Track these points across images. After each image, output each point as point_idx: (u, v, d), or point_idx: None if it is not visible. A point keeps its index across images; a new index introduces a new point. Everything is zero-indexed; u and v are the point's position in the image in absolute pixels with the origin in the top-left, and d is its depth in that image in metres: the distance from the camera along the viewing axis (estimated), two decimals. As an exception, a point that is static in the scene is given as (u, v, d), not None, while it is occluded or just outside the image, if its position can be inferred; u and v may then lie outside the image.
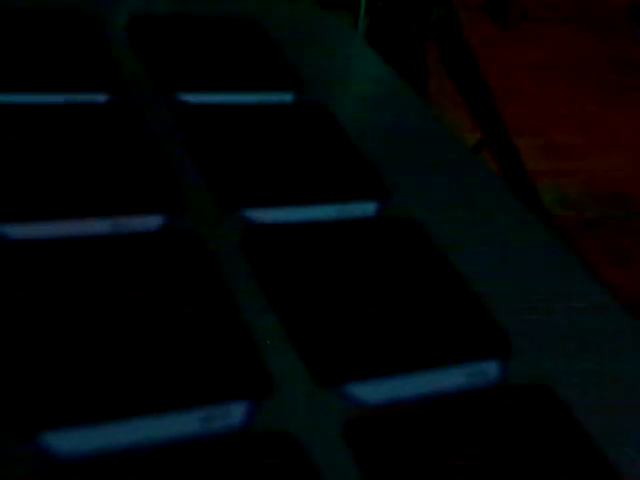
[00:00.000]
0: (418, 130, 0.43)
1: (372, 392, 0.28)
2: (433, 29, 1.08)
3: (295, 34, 0.48)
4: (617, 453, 0.27)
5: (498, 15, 1.92)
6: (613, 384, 0.30)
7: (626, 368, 0.31)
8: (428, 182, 0.39)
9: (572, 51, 1.86)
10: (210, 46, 0.44)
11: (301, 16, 0.51)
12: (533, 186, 1.10)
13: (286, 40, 0.46)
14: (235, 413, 0.26)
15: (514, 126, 1.14)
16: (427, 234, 0.35)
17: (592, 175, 1.45)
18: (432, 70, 1.06)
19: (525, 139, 1.49)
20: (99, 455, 0.24)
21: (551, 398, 0.29)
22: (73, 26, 0.43)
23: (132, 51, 0.43)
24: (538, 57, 1.84)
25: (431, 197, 0.38)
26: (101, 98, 0.38)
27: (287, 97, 0.42)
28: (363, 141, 0.40)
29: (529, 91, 1.72)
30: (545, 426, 0.28)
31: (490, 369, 0.30)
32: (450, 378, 0.29)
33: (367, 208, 0.36)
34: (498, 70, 1.62)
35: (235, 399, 0.26)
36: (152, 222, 0.33)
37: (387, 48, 1.03)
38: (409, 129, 0.43)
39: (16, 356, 0.26)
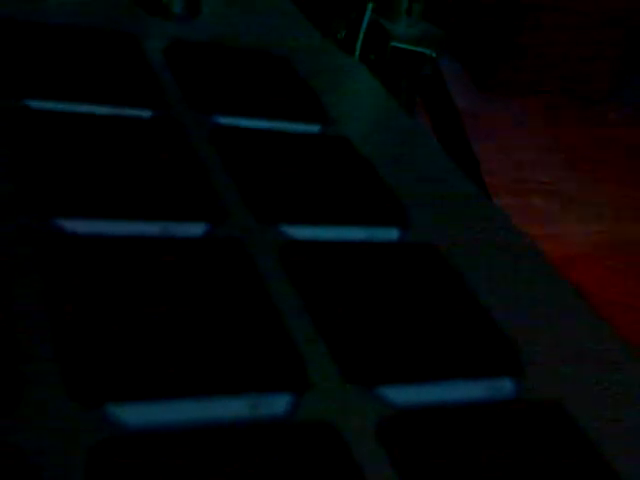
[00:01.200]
0: (433, 166, 0.46)
1: (401, 395, 0.30)
2: (421, 84, 1.12)
3: (319, 68, 0.51)
4: (625, 466, 0.30)
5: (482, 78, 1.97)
6: (624, 401, 0.33)
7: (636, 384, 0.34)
8: (442, 211, 0.42)
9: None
10: (243, 75, 0.47)
11: (324, 50, 0.54)
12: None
13: (311, 75, 0.49)
14: (279, 403, 0.28)
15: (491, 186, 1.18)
16: (445, 259, 0.37)
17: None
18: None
19: (503, 200, 1.54)
20: (159, 428, 0.26)
21: (561, 413, 0.31)
22: (118, 45, 0.46)
23: (170, 74, 0.45)
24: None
25: (445, 225, 0.41)
26: (145, 114, 0.41)
27: (314, 128, 0.45)
28: (382, 169, 0.43)
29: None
30: (555, 440, 0.31)
31: (504, 385, 0.33)
32: (469, 390, 0.32)
33: (390, 233, 0.39)
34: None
35: (278, 391, 0.28)
36: (196, 229, 0.35)
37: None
38: (424, 163, 0.46)
39: (87, 336, 0.27)
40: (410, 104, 1.13)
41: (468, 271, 0.38)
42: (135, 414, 0.26)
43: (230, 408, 0.27)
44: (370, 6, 1.11)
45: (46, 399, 0.25)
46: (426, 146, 0.48)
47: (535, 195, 1.66)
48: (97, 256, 0.31)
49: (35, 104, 0.38)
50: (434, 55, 1.17)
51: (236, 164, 0.39)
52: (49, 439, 0.24)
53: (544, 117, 1.95)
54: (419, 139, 0.49)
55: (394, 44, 1.15)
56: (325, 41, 0.57)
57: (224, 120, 0.43)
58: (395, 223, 0.39)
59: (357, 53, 1.11)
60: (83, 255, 0.31)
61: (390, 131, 0.50)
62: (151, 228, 0.34)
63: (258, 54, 0.50)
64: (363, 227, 0.38)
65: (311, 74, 0.50)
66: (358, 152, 0.43)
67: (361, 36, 1.14)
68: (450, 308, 0.35)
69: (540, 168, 1.75)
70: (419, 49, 1.18)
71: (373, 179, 0.42)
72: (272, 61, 0.50)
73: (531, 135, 1.86)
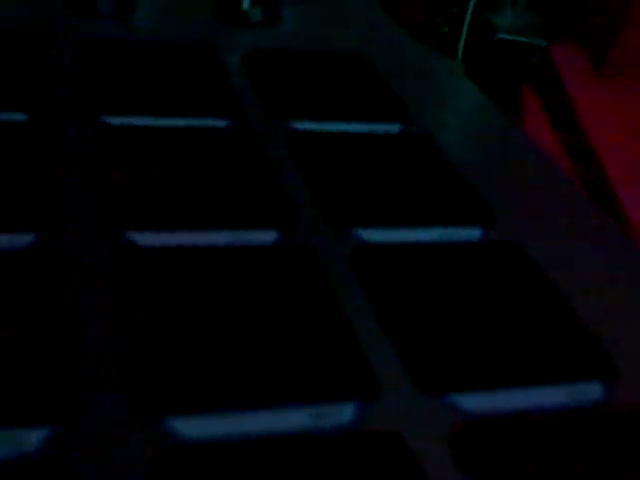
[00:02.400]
0: (519, 160, 0.44)
1: (476, 403, 0.29)
2: (531, 74, 1.09)
3: (400, 67, 0.50)
4: None
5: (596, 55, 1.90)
6: None
7: None
8: (531, 208, 0.40)
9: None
10: (319, 79, 0.47)
11: (405, 49, 0.53)
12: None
13: (392, 73, 0.48)
14: (345, 412, 0.27)
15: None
16: (532, 258, 0.36)
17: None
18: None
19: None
20: (220, 440, 0.25)
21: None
22: (196, 58, 0.46)
23: (248, 82, 0.45)
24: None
25: (535, 224, 0.39)
26: (221, 123, 0.41)
27: (394, 128, 0.44)
28: (466, 169, 0.41)
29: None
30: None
31: (592, 390, 0.31)
32: (552, 396, 0.30)
33: (472, 233, 0.37)
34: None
35: (344, 399, 0.28)
36: (267, 236, 0.35)
37: (483, 92, 1.04)
38: (510, 158, 0.44)
39: (153, 349, 0.28)
40: (516, 94, 1.10)
41: (554, 270, 0.36)
42: (196, 427, 0.26)
43: (293, 419, 0.27)
44: (473, -1, 1.09)
45: (109, 411, 0.26)
46: (517, 145, 0.46)
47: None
48: (167, 268, 0.31)
49: (113, 120, 0.39)
50: (543, 44, 1.13)
51: (312, 170, 0.39)
52: (110, 452, 0.25)
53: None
54: (510, 137, 0.47)
55: (500, 36, 1.12)
56: (411, 40, 0.56)
57: (301, 125, 0.42)
58: (477, 222, 0.38)
59: (461, 48, 1.08)
60: (153, 267, 0.31)
61: (478, 128, 0.48)
62: (222, 237, 0.34)
63: (337, 57, 0.49)
64: (442, 227, 0.37)
65: (394, 74, 0.49)
66: (440, 149, 0.42)
67: (465, 30, 1.11)
68: (532, 309, 0.33)
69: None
70: (526, 39, 1.14)
71: (454, 177, 0.40)
72: (351, 62, 0.49)
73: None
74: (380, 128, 0.44)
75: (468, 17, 1.12)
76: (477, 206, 0.39)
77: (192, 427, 0.26)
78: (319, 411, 0.27)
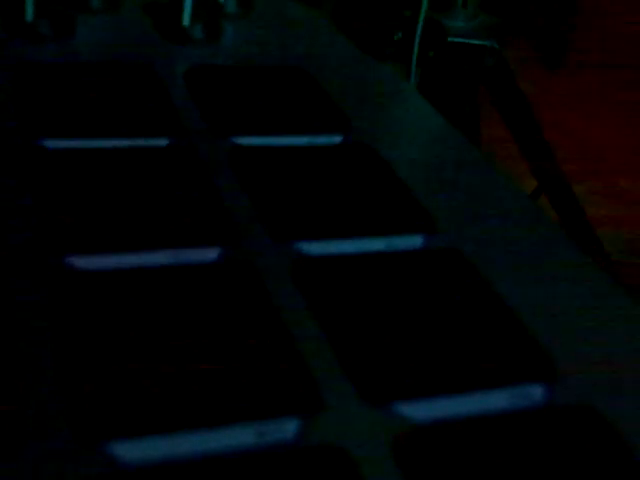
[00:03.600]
0: (467, 171, 0.45)
1: (420, 411, 0.29)
2: (485, 77, 1.10)
3: (342, 78, 0.50)
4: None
5: (551, 57, 1.93)
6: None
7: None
8: (475, 217, 0.40)
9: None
10: (260, 93, 0.47)
11: (348, 60, 0.54)
12: (593, 232, 1.10)
13: (336, 86, 0.49)
14: (288, 428, 0.27)
15: (570, 171, 1.15)
16: (472, 264, 0.36)
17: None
18: (483, 118, 1.08)
19: (582, 185, 1.49)
20: (160, 463, 0.25)
21: (596, 419, 0.30)
22: (136, 76, 0.46)
23: (190, 99, 0.45)
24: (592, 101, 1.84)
25: (478, 233, 0.39)
26: (162, 142, 0.41)
27: (335, 139, 0.44)
28: (410, 179, 0.42)
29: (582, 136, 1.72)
30: (591, 447, 0.29)
31: (535, 392, 0.31)
32: (495, 400, 0.30)
33: (414, 241, 0.38)
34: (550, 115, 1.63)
35: (287, 415, 0.28)
36: (210, 254, 0.35)
37: (439, 96, 1.05)
38: (457, 169, 0.45)
39: (86, 371, 0.28)
40: (472, 98, 1.11)
41: (494, 273, 0.36)
42: (135, 450, 0.26)
43: (237, 437, 0.27)
44: (425, 2, 1.10)
45: (48, 436, 0.25)
46: (459, 149, 0.47)
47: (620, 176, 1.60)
48: (107, 290, 0.31)
49: (51, 143, 0.39)
50: (496, 46, 1.14)
51: (253, 183, 0.39)
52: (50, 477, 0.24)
53: (618, 93, 1.88)
54: (452, 143, 0.47)
55: (452, 39, 1.14)
56: (355, 50, 0.56)
57: (243, 140, 0.42)
58: (419, 230, 0.38)
59: (415, 52, 1.09)
60: (93, 290, 0.31)
61: (421, 135, 0.49)
62: (164, 257, 0.34)
63: (278, 71, 0.49)
64: (384, 237, 0.37)
65: (336, 85, 0.49)
66: (380, 158, 0.42)
67: (418, 34, 1.12)
68: (472, 313, 0.34)
69: (620, 150, 1.69)
70: (479, 42, 1.15)
71: (394, 185, 0.41)
72: (292, 76, 0.49)
73: (609, 112, 1.80)
74: (321, 140, 0.44)
75: (421, 21, 1.13)
76: (418, 214, 0.39)
77: (134, 450, 0.26)
78: (262, 428, 0.27)
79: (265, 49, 0.54)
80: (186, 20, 0.53)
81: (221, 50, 0.52)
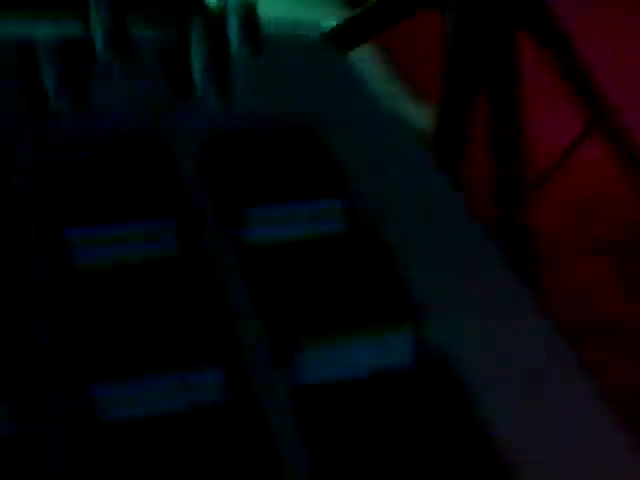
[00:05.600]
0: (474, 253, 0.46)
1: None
2: (523, 20, 1.03)
3: (357, 142, 0.52)
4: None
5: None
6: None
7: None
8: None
9: None
10: (268, 163, 0.49)
11: (363, 116, 0.55)
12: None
13: (347, 149, 0.50)
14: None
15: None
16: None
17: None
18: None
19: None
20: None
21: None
22: (146, 150, 0.49)
23: (201, 173, 0.48)
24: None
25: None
26: (170, 224, 0.44)
27: (335, 205, 0.47)
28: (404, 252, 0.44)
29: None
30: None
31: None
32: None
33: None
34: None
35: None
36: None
37: (474, 45, 0.99)
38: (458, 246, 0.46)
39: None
40: (509, 44, 1.03)
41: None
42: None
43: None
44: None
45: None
46: (460, 222, 0.48)
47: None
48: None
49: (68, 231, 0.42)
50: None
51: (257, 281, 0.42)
52: None
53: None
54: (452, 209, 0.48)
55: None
56: (374, 105, 0.56)
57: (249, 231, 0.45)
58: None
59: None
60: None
61: (421, 198, 0.49)
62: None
63: (288, 134, 0.51)
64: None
65: (348, 148, 0.50)
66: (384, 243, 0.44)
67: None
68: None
69: None
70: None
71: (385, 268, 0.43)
72: (302, 140, 0.51)
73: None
74: (320, 206, 0.46)
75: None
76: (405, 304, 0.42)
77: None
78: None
79: (277, 102, 0.55)
80: (197, 79, 0.54)
81: (234, 108, 0.54)
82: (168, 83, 0.56)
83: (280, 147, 0.50)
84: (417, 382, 0.35)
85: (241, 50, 0.59)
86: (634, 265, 0.93)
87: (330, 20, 0.84)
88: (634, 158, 1.06)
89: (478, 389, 0.34)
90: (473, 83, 1.00)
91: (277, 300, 0.40)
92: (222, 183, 0.47)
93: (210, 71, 0.53)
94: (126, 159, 0.48)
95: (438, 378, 0.36)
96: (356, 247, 0.42)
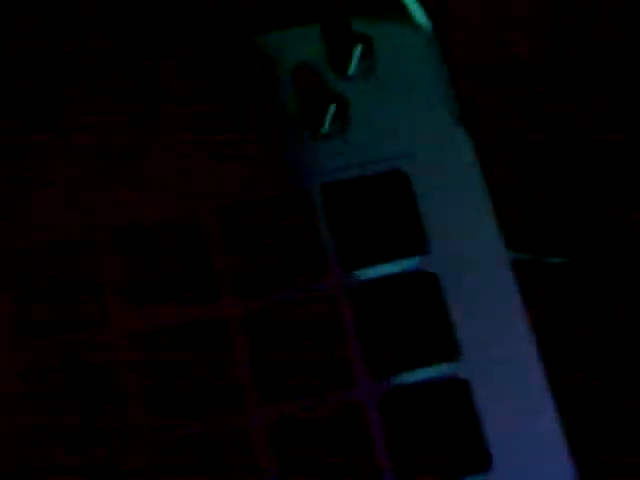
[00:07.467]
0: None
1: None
2: None
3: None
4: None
5: None
6: None
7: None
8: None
9: None
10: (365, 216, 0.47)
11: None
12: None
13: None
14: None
15: None
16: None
17: None
18: None
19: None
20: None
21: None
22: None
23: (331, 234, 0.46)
24: None
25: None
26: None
27: (413, 262, 0.45)
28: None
29: None
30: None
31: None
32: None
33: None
34: None
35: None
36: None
37: None
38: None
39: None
40: None
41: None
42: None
43: None
44: None
45: None
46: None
47: None
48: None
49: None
50: None
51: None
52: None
53: None
54: None
55: None
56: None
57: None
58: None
59: None
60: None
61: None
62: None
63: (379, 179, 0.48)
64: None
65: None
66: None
67: None
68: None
69: None
70: None
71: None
72: (392, 184, 0.48)
73: None
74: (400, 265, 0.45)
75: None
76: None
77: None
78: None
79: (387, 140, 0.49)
80: (326, 126, 0.49)
81: (346, 148, 0.49)
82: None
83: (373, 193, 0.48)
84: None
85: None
86: None
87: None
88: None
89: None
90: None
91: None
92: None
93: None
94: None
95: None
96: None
